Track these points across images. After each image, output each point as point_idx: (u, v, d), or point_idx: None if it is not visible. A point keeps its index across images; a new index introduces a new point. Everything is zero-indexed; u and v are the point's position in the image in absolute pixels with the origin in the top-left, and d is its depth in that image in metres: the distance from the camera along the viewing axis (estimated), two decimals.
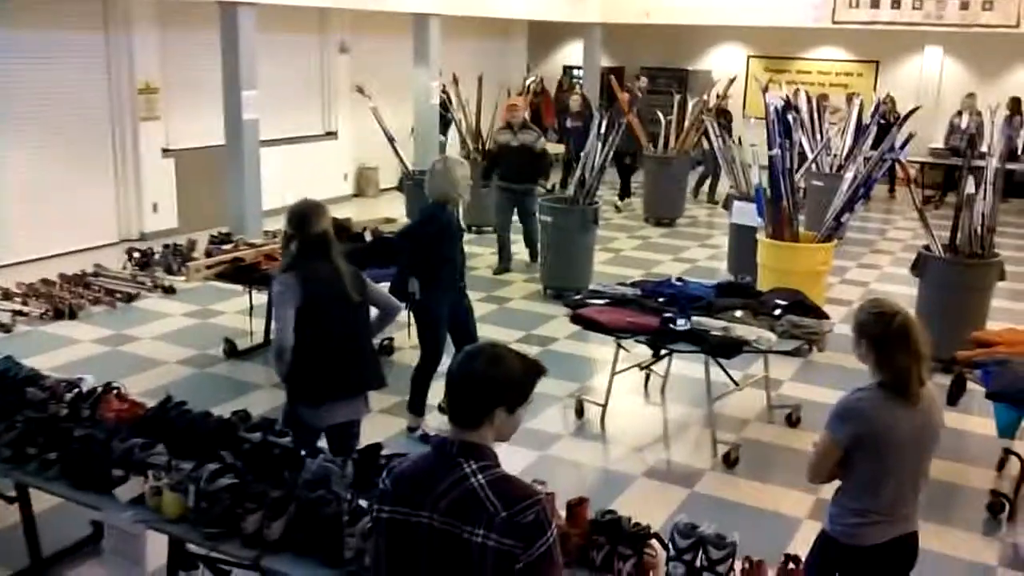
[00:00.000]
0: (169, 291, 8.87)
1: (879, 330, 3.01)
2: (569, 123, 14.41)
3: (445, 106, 13.16)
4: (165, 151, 11.38)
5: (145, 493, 3.42)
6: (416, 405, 5.93)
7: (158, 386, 5.56)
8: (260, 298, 7.41)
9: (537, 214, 9.59)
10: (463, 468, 2.25)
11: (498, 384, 2.30)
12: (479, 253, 10.61)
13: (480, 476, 2.24)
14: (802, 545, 4.67)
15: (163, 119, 11.31)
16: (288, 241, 4.17)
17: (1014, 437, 5.29)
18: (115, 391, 4.15)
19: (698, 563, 2.93)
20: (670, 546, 2.99)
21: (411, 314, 5.99)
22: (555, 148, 14.26)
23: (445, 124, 13.63)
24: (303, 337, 4.03)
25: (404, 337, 7.63)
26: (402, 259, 5.85)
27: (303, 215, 4.12)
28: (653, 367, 6.81)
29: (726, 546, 2.93)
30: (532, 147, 9.84)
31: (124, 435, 3.67)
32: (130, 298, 8.67)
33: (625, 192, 14.25)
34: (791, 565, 2.89)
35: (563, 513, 3.15)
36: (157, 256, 9.67)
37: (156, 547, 3.53)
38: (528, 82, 12.68)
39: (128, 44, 10.77)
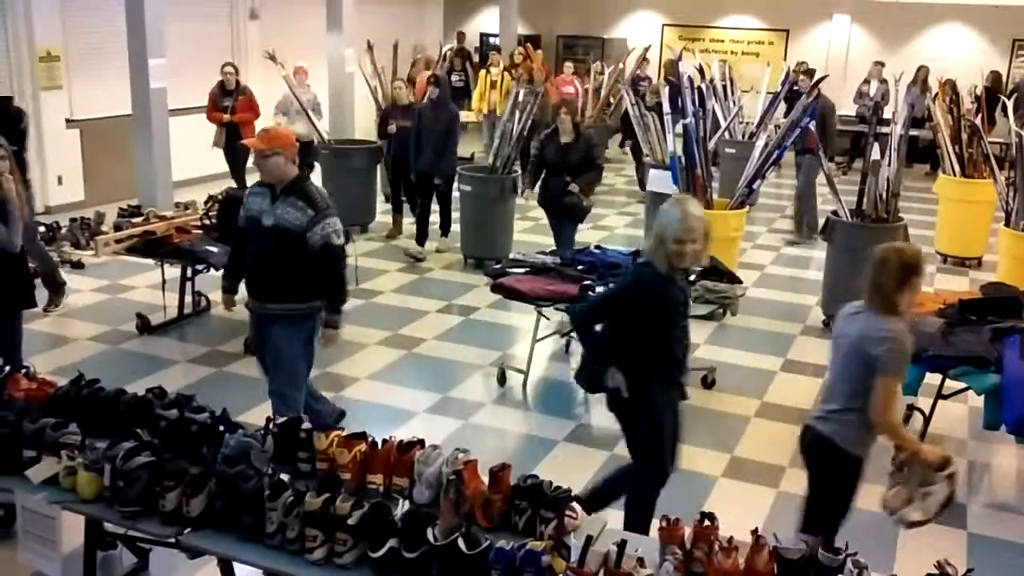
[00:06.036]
0: (78, 266, 8.62)
1: None
2: (397, 122, 9.65)
3: None
4: (69, 121, 11.02)
5: (59, 474, 3.35)
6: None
7: (69, 364, 5.41)
8: (173, 272, 7.26)
9: None
10: None
11: None
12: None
13: None
14: (717, 503, 4.85)
15: (66, 88, 10.94)
16: None
17: (917, 393, 5.51)
18: (24, 370, 4.03)
19: None
20: None
21: (618, 418, 4.22)
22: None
23: None
24: None
25: None
26: None
27: None
28: (573, 334, 6.90)
29: None
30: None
31: (34, 415, 3.58)
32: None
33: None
34: (706, 522, 2.97)
35: (486, 479, 3.19)
36: (64, 230, 9.36)
37: (72, 528, 3.46)
38: (445, 50, 12.48)
39: (27, 10, 10.34)
